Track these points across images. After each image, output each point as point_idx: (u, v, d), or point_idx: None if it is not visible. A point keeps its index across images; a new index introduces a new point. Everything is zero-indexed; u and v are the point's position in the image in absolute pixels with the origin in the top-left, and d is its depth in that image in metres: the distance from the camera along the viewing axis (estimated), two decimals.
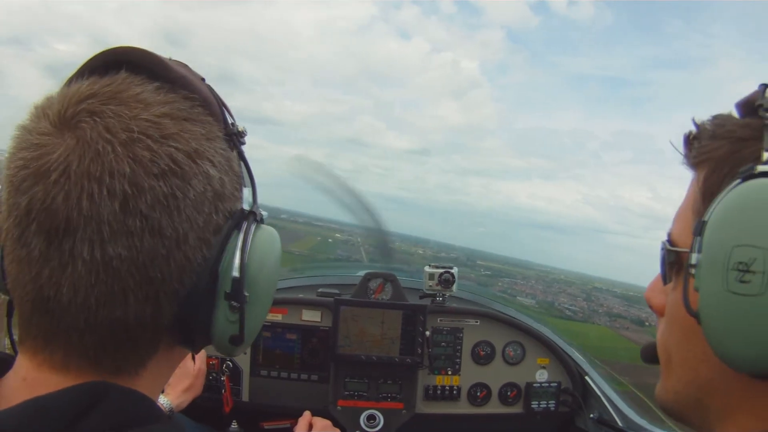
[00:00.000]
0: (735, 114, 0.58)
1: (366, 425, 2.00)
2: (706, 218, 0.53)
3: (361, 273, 2.18)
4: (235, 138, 0.59)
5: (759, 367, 0.50)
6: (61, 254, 0.47)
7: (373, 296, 2.12)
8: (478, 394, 2.13)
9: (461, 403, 2.12)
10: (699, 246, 0.53)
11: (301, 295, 2.17)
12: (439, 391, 2.10)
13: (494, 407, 2.13)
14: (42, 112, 0.50)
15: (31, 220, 0.47)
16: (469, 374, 2.13)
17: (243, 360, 2.01)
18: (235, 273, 0.54)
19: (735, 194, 0.52)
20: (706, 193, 0.57)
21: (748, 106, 0.55)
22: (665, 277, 0.63)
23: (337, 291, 2.15)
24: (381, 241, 2.77)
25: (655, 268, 0.65)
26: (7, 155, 0.51)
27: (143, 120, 0.49)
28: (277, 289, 2.23)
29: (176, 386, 1.62)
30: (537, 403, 2.11)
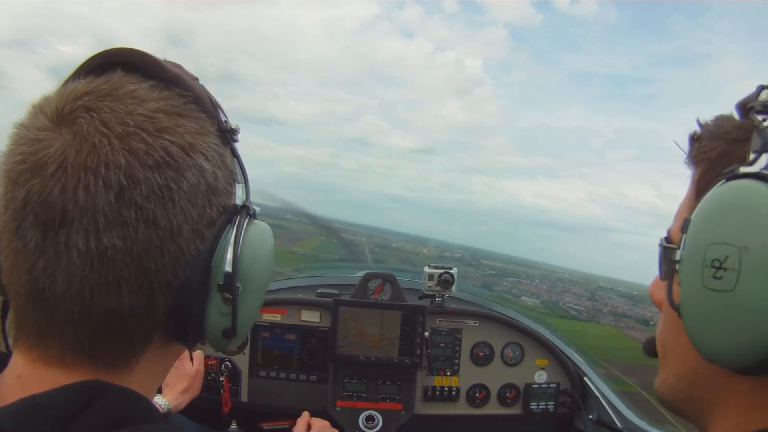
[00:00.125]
0: (736, 115, 0.59)
1: (365, 426, 2.00)
2: (690, 216, 0.56)
3: (361, 273, 2.19)
4: (228, 135, 0.60)
5: (732, 361, 0.51)
6: (57, 245, 0.48)
7: (372, 297, 2.12)
8: (477, 395, 2.13)
9: (460, 404, 2.12)
10: (683, 243, 0.56)
11: (300, 296, 2.17)
12: (437, 392, 2.10)
13: (493, 408, 2.13)
14: (39, 110, 0.51)
15: (28, 212, 0.48)
16: (467, 375, 2.13)
17: (242, 360, 2.02)
18: (228, 266, 0.55)
19: (715, 194, 0.53)
20: (699, 192, 0.58)
21: (744, 107, 0.56)
22: (661, 273, 0.64)
23: (336, 291, 2.15)
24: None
25: None
26: (4, 151, 0.51)
27: (138, 115, 0.50)
28: (276, 290, 2.24)
29: (174, 387, 1.62)
30: (536, 404, 2.11)
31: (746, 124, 0.55)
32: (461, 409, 2.12)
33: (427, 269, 2.15)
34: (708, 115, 0.62)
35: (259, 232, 0.61)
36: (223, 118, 0.60)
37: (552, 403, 2.12)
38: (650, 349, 0.68)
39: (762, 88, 0.54)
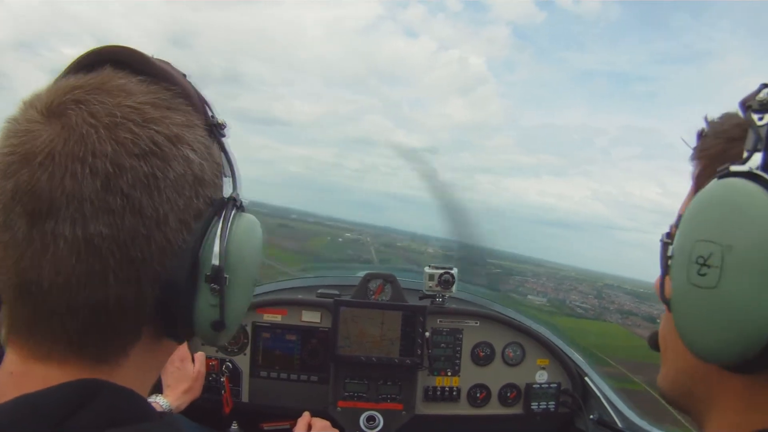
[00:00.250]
0: (740, 113, 0.59)
1: (366, 426, 2.00)
2: (683, 213, 0.57)
3: (361, 274, 2.19)
4: (215, 129, 0.61)
5: (718, 358, 0.52)
6: (43, 235, 0.48)
7: (372, 297, 2.13)
8: (478, 395, 2.12)
9: (461, 404, 2.12)
10: (675, 239, 0.57)
11: (300, 296, 2.18)
12: (438, 392, 2.10)
13: (494, 408, 2.13)
14: (30, 104, 0.52)
15: (16, 203, 0.48)
16: (468, 375, 2.13)
17: (243, 361, 2.03)
18: (216, 257, 0.55)
19: (705, 191, 0.54)
20: (698, 189, 0.58)
21: (745, 105, 0.56)
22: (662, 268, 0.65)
23: (336, 292, 2.15)
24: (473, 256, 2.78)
25: None
26: None
27: (126, 106, 0.51)
28: (277, 290, 2.25)
29: (175, 388, 1.64)
30: (537, 404, 2.10)
31: (744, 122, 0.55)
32: (462, 409, 2.12)
33: (427, 269, 2.14)
34: (712, 113, 0.63)
35: (247, 223, 0.61)
36: (210, 113, 0.61)
37: (553, 403, 2.11)
38: (654, 343, 0.69)
39: (764, 86, 0.54)
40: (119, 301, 0.51)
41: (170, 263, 0.53)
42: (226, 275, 0.56)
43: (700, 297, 0.51)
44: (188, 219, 0.54)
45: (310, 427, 1.66)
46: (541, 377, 2.14)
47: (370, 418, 2.02)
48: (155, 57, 0.59)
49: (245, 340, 2.04)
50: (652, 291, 0.71)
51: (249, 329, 2.04)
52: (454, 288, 2.13)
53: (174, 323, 0.57)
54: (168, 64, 0.60)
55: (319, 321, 2.07)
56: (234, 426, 1.90)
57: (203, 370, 1.75)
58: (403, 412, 2.06)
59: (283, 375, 2.05)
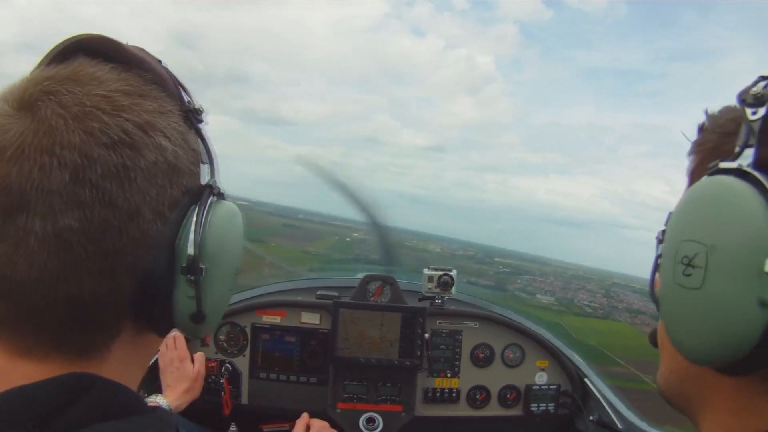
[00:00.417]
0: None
1: (365, 428, 2.00)
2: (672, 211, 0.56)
3: (360, 275, 2.20)
4: (191, 115, 0.60)
5: (704, 359, 0.51)
6: (16, 231, 0.47)
7: (372, 299, 2.13)
8: (478, 396, 2.12)
9: (460, 405, 2.12)
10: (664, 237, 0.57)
11: (299, 298, 2.18)
12: (438, 394, 2.10)
13: (493, 410, 2.13)
14: (3, 98, 0.51)
15: None
16: (468, 377, 2.13)
17: (242, 362, 2.04)
18: (192, 246, 0.54)
19: (693, 188, 0.53)
20: (691, 185, 0.57)
21: (741, 99, 0.55)
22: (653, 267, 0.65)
23: (336, 293, 2.16)
24: (381, 238, 2.77)
25: None
26: None
27: (95, 95, 0.51)
28: (276, 292, 2.26)
29: (175, 388, 1.65)
30: (536, 405, 2.10)
31: (738, 117, 0.53)
32: (462, 410, 2.12)
33: (426, 271, 2.14)
34: (716, 108, 0.61)
35: (226, 211, 0.59)
36: (186, 99, 0.60)
37: (552, 404, 2.11)
38: (654, 340, 0.68)
39: (762, 79, 0.52)
40: (95, 295, 0.50)
41: (145, 255, 0.52)
42: (202, 265, 0.55)
43: (685, 298, 0.50)
44: (163, 209, 0.53)
45: (308, 427, 1.67)
46: (541, 379, 2.13)
47: (370, 420, 2.02)
48: (129, 44, 0.58)
49: (245, 342, 2.05)
50: None
51: (248, 331, 2.05)
52: (453, 289, 2.13)
53: (153, 316, 0.56)
54: (143, 50, 0.59)
55: (318, 322, 2.07)
56: (233, 427, 1.90)
57: (203, 370, 1.76)
58: (403, 414, 2.06)
59: (283, 376, 2.06)
